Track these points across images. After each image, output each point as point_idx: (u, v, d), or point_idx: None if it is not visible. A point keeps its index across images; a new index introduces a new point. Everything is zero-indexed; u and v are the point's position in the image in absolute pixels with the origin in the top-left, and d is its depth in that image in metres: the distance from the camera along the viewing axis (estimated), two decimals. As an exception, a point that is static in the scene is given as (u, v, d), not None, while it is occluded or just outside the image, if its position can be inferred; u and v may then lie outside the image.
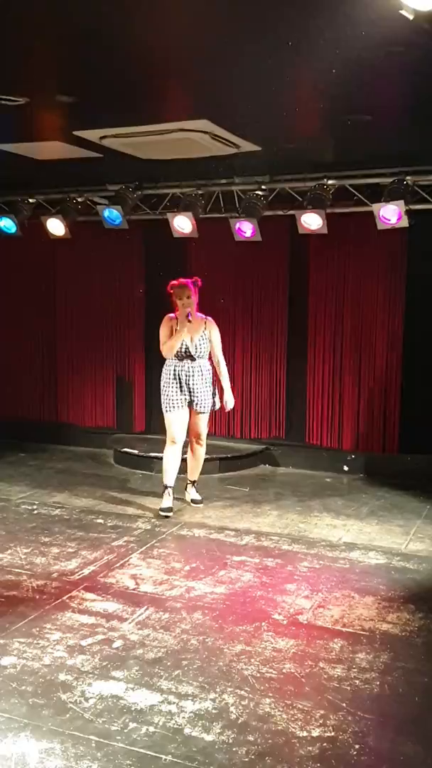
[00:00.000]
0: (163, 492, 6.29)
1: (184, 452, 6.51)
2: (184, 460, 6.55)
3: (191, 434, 6.42)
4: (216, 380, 6.36)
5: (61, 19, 3.59)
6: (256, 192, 6.96)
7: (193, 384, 6.19)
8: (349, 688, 3.49)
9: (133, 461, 7.88)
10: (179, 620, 4.20)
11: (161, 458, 7.73)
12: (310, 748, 3.02)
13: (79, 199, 7.74)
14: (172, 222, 7.22)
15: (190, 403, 6.25)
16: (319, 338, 7.79)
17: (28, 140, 5.94)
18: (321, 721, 3.21)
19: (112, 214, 7.41)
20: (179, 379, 6.19)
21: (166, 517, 6.12)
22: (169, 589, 4.66)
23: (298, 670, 3.65)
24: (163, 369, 6.31)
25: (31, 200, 7.95)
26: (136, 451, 7.91)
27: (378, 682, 3.55)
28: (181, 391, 6.20)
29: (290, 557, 5.27)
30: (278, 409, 8.11)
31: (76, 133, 5.61)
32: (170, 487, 6.30)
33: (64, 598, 4.48)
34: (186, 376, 6.19)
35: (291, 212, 6.96)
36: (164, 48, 3.95)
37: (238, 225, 7.02)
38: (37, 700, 3.33)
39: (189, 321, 6.03)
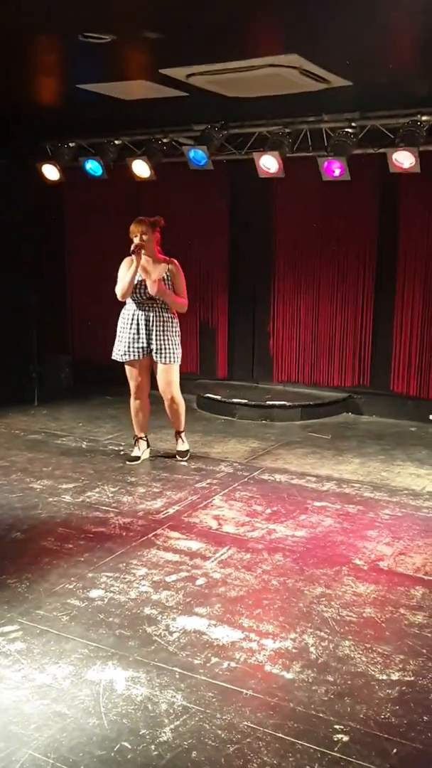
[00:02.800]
0: (134, 443, 6.25)
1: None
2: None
3: (159, 389, 6.03)
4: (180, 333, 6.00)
5: None
6: (346, 129, 6.73)
7: (151, 330, 5.82)
8: (429, 635, 3.48)
9: (216, 406, 7.96)
10: (260, 561, 4.27)
11: (244, 404, 7.83)
12: (389, 691, 3.04)
13: (164, 140, 7.68)
14: (258, 161, 7.07)
15: (150, 352, 5.87)
16: (409, 283, 7.57)
17: (113, 80, 5.90)
18: (401, 666, 3.22)
19: (197, 155, 7.32)
20: (137, 324, 5.83)
21: (131, 463, 6.08)
22: (250, 530, 4.73)
23: (379, 615, 3.66)
24: (121, 313, 5.95)
25: (116, 142, 7.94)
26: (218, 397, 7.98)
27: (460, 631, 3.53)
28: (138, 338, 5.83)
29: (372, 504, 5.24)
30: (363, 356, 7.98)
31: (162, 71, 5.53)
32: (139, 437, 6.21)
33: (150, 535, 4.61)
34: (145, 321, 5.82)
35: (382, 150, 6.70)
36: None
37: (326, 164, 6.81)
38: (124, 632, 3.47)
39: (133, 253, 5.71)
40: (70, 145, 8.18)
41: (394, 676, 3.15)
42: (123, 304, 5.95)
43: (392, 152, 6.52)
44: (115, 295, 5.86)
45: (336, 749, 2.68)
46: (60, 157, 8.20)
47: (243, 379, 8.70)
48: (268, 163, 7.06)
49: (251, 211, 8.35)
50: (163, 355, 5.88)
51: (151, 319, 5.83)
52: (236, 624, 3.56)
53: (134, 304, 5.85)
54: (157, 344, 5.85)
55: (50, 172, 8.26)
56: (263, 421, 7.70)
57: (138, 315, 5.85)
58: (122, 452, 6.43)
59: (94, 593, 3.84)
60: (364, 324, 7.92)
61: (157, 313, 5.84)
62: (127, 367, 6.01)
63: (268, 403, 7.82)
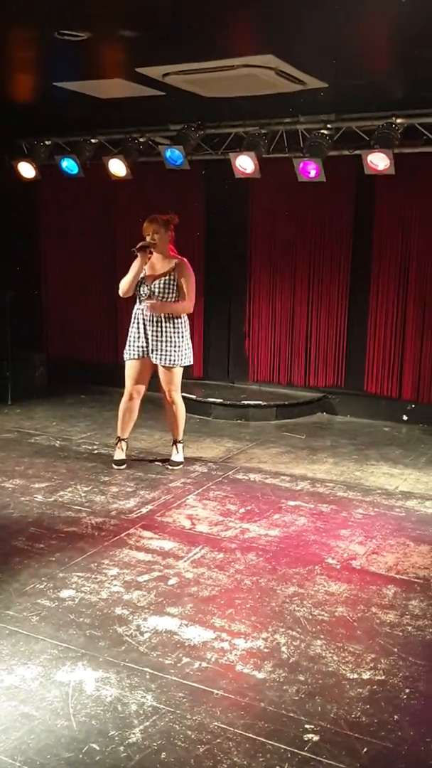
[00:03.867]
0: (116, 444, 6.04)
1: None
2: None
3: (160, 390, 5.95)
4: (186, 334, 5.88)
5: None
6: (322, 131, 6.74)
7: (152, 331, 5.69)
8: (401, 633, 3.50)
9: (191, 406, 7.89)
10: (233, 560, 4.26)
11: (219, 403, 7.82)
12: (360, 690, 3.05)
13: (141, 139, 7.65)
14: (234, 162, 7.08)
15: (150, 353, 5.77)
16: (383, 284, 7.61)
17: (90, 78, 5.87)
18: (372, 665, 3.24)
19: (173, 155, 7.31)
20: (138, 323, 5.74)
21: (119, 467, 5.91)
22: (224, 530, 4.72)
23: (351, 614, 3.67)
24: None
25: (93, 141, 7.89)
26: (193, 396, 7.95)
27: (430, 630, 3.55)
28: (138, 337, 5.74)
29: (345, 504, 5.26)
30: (338, 356, 8.01)
31: (138, 70, 5.50)
32: (122, 439, 6.00)
33: (122, 535, 4.58)
34: (145, 321, 5.71)
35: (357, 152, 6.73)
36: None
37: (302, 165, 6.82)
38: (94, 632, 3.44)
39: (135, 253, 5.56)
40: (47, 143, 8.13)
41: (365, 675, 3.16)
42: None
43: (367, 154, 6.55)
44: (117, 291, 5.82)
45: (306, 749, 2.68)
46: (36, 155, 8.14)
47: (218, 378, 8.69)
48: (244, 164, 7.06)
49: (227, 211, 8.35)
50: (160, 357, 5.74)
51: (148, 318, 5.72)
52: (208, 624, 3.55)
53: (137, 305, 5.77)
54: (152, 345, 5.73)
55: (26, 169, 8.20)
56: (238, 421, 7.71)
57: (138, 313, 5.76)
58: (96, 451, 6.40)
59: (65, 593, 3.81)
60: (338, 324, 7.95)
61: (155, 314, 5.72)
62: (127, 366, 5.87)
63: (243, 402, 7.83)
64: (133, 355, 5.81)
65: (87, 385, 8.86)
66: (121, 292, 5.79)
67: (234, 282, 8.46)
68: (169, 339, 5.74)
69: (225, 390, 8.35)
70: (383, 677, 3.15)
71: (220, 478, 5.76)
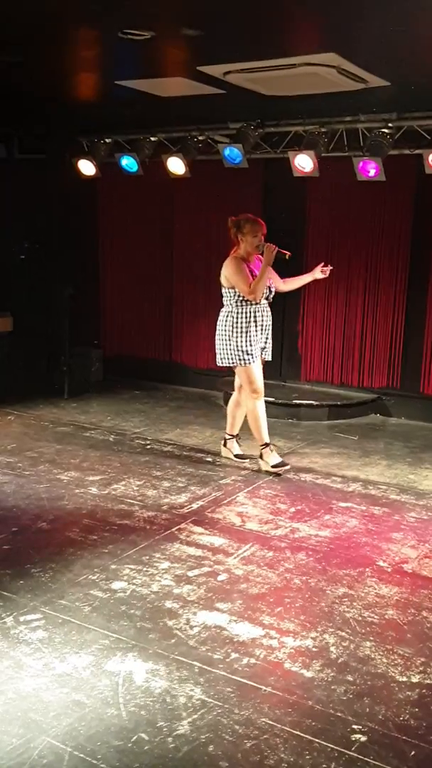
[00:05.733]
0: (267, 448, 5.83)
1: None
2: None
3: (241, 387, 5.97)
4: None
5: None
6: (382, 130, 6.68)
7: (268, 326, 5.83)
8: (452, 640, 3.45)
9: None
10: (283, 559, 4.26)
11: (271, 402, 7.73)
12: (409, 693, 3.03)
13: (200, 138, 7.69)
14: (293, 160, 7.05)
15: (262, 350, 5.85)
16: (442, 284, 7.50)
17: (151, 76, 5.92)
18: (422, 668, 3.21)
19: (232, 153, 7.32)
20: (257, 323, 5.74)
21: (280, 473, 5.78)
22: (274, 528, 4.73)
23: (401, 617, 3.64)
24: (232, 315, 5.73)
25: (152, 139, 7.96)
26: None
27: None
28: (259, 337, 5.77)
29: (398, 507, 5.20)
30: (394, 357, 7.91)
31: (200, 68, 5.53)
32: (268, 444, 5.85)
33: (173, 529, 4.63)
34: (264, 318, 5.79)
35: (418, 151, 6.65)
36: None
37: (361, 164, 6.77)
38: (145, 624, 3.49)
39: (286, 258, 5.68)
40: (107, 140, 8.23)
41: (415, 679, 3.13)
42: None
43: (428, 153, 6.47)
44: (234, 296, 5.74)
45: (353, 749, 2.68)
46: (96, 152, 8.26)
47: (270, 377, 8.59)
48: (303, 162, 7.03)
49: (284, 209, 8.32)
50: (269, 351, 5.92)
51: (267, 314, 5.85)
52: (257, 621, 3.56)
53: (252, 305, 5.70)
54: (269, 340, 5.88)
55: (86, 167, 8.32)
56: (290, 420, 7.68)
57: (257, 314, 5.73)
58: (148, 446, 6.47)
59: (117, 585, 3.87)
60: (395, 325, 7.85)
61: (269, 309, 5.87)
62: (252, 368, 5.74)
63: (295, 402, 7.81)
64: (258, 355, 5.80)
65: (141, 381, 8.96)
66: (257, 298, 5.68)
67: (289, 280, 8.42)
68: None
69: (277, 389, 8.32)
70: (433, 682, 3.12)
71: (271, 477, 5.76)
